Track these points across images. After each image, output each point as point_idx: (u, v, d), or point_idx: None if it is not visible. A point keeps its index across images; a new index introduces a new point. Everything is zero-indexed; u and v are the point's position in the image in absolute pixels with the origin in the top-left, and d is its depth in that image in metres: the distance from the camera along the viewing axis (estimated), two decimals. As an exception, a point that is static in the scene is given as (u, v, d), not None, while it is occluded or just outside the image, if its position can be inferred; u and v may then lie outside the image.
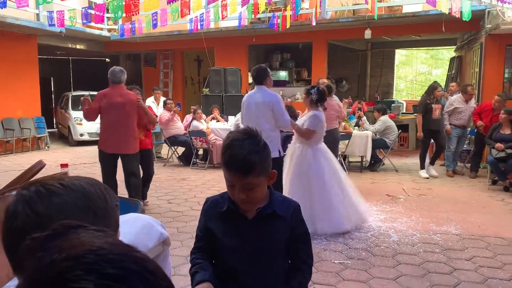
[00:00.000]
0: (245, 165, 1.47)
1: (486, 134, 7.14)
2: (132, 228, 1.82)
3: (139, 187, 5.30)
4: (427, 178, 7.53)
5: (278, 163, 4.50)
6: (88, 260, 0.51)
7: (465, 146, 8.16)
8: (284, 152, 4.83)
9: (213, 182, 7.22)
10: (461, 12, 6.52)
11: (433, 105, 7.42)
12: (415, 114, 7.93)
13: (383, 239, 4.45)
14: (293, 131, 4.83)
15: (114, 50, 14.03)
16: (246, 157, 1.47)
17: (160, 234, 1.99)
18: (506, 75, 8.87)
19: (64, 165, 3.52)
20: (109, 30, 12.63)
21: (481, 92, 8.71)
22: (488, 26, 8.41)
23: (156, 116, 5.41)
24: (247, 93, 5.04)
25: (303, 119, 4.77)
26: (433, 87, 7.64)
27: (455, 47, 12.62)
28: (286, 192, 4.56)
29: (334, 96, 6.82)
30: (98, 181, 1.20)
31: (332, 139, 5.97)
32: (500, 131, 6.79)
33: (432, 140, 7.89)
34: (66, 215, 0.84)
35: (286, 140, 5.83)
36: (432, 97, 7.49)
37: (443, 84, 9.93)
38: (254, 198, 1.53)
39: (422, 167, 7.75)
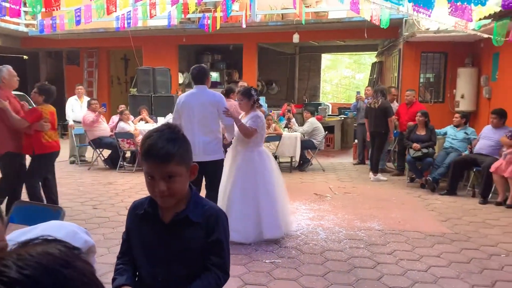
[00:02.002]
0: (165, 152, 1.46)
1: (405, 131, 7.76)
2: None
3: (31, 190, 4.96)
4: (386, 180, 7.60)
5: (221, 165, 4.45)
6: None
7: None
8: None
9: (141, 185, 7.01)
10: (380, 20, 6.91)
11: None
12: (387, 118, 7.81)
13: (311, 237, 4.59)
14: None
15: (33, 47, 13.13)
16: (166, 144, 1.47)
17: (85, 241, 1.90)
18: (421, 80, 9.55)
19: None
20: (27, 25, 11.81)
21: (399, 96, 9.29)
22: (405, 34, 9.00)
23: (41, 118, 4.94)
24: (177, 93, 4.95)
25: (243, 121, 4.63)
26: (386, 89, 8.02)
27: (376, 52, 13.37)
28: (225, 196, 4.46)
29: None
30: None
31: None
32: (416, 132, 7.30)
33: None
34: None
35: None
36: (387, 99, 7.82)
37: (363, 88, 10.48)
38: (175, 191, 1.49)
39: (377, 170, 7.71)
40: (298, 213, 5.48)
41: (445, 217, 5.39)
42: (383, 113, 7.54)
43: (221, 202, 4.42)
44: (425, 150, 6.99)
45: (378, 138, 7.71)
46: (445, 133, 7.36)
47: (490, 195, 6.19)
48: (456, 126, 7.26)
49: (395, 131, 8.08)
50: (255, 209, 4.37)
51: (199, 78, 4.44)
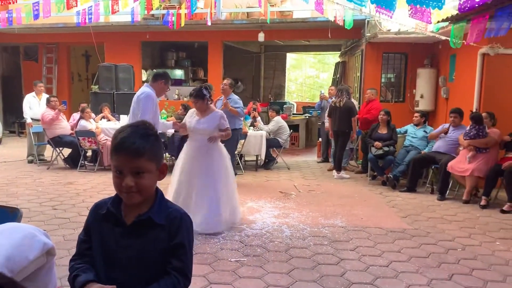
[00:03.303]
0: (137, 147, 1.46)
1: (363, 129, 7.96)
2: (9, 240, 1.64)
3: None
4: (349, 178, 7.77)
5: None
6: None
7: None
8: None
9: (103, 185, 6.85)
10: (344, 20, 7.03)
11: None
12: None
13: (277, 234, 4.62)
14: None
15: (-13, 41, 12.56)
16: (138, 138, 1.47)
17: (44, 244, 1.82)
18: (383, 80, 9.80)
19: None
20: (-19, 18, 11.26)
21: (361, 95, 9.50)
22: (367, 34, 9.21)
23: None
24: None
25: (204, 121, 4.73)
26: (349, 88, 8.20)
27: (339, 52, 13.60)
28: (173, 190, 4.66)
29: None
30: None
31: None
32: (378, 131, 7.48)
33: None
34: None
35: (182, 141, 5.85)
36: (350, 98, 7.97)
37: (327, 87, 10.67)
38: (142, 187, 1.48)
39: (340, 168, 7.82)
40: (264, 211, 5.50)
41: (405, 214, 5.56)
42: (347, 112, 7.68)
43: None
44: (386, 149, 7.18)
45: (342, 137, 7.84)
46: (405, 132, 7.59)
47: (448, 191, 6.43)
48: (416, 125, 7.50)
49: (357, 130, 8.26)
50: (197, 202, 4.56)
51: (151, 78, 5.09)
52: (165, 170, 1.58)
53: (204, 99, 4.69)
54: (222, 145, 4.89)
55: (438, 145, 6.88)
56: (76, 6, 7.06)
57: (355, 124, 7.82)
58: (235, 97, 6.79)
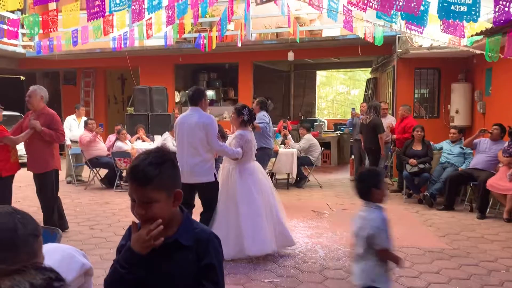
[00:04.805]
0: (143, 175, 1.45)
1: (399, 147, 7.78)
2: (49, 261, 1.70)
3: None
4: None
5: (213, 187, 4.44)
6: None
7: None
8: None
9: (139, 204, 6.97)
10: (374, 37, 7.00)
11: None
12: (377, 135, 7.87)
13: (310, 255, 4.56)
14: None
15: (30, 68, 13.19)
16: (146, 167, 1.46)
17: (82, 265, 1.88)
18: (416, 95, 9.63)
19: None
20: (24, 47, 11.88)
21: (394, 112, 9.36)
22: (399, 50, 9.11)
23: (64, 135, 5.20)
24: (174, 112, 5.06)
25: (231, 138, 4.78)
26: (379, 105, 8.05)
27: (370, 69, 13.49)
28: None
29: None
30: (12, 210, 1.11)
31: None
32: (413, 148, 7.33)
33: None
34: None
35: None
36: (380, 115, 7.87)
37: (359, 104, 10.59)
38: (153, 216, 1.46)
39: None
40: (296, 230, 5.46)
41: (444, 233, 5.38)
42: (373, 130, 7.64)
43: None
44: (421, 166, 7.02)
45: (371, 155, 7.79)
46: (441, 148, 7.39)
47: (488, 209, 6.19)
48: (452, 141, 7.31)
49: (389, 147, 8.13)
50: (234, 225, 4.38)
51: (193, 99, 4.52)
52: (180, 196, 1.55)
53: (239, 116, 4.63)
54: (254, 164, 4.73)
55: (476, 162, 6.66)
56: (112, 32, 7.34)
57: (383, 141, 7.69)
58: (260, 114, 6.71)
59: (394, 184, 8.51)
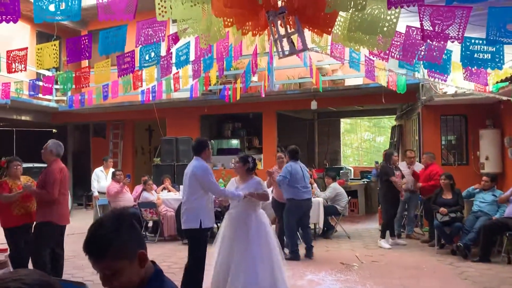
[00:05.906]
0: (97, 248, 1.36)
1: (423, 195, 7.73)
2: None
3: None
4: (390, 248, 7.30)
5: (197, 234, 4.56)
6: None
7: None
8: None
9: (163, 256, 6.93)
10: (397, 85, 7.02)
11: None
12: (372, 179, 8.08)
13: (340, 310, 4.38)
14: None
15: (62, 121, 13.74)
16: (99, 239, 1.36)
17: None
18: (443, 142, 9.48)
19: (3, 250, 3.27)
20: (57, 101, 12.44)
21: (421, 159, 9.19)
22: (423, 98, 9.08)
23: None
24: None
25: (243, 188, 4.81)
26: (391, 153, 7.97)
27: (395, 116, 13.44)
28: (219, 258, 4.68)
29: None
30: (47, 280, 1.12)
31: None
32: (442, 196, 7.13)
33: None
34: None
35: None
36: (390, 163, 7.74)
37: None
38: (122, 285, 1.40)
39: (384, 236, 7.47)
40: (325, 284, 5.28)
41: (481, 287, 5.10)
42: (380, 176, 7.72)
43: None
44: (453, 215, 6.79)
45: (383, 202, 7.74)
46: (466, 197, 7.17)
47: (527, 261, 5.88)
48: (484, 189, 7.07)
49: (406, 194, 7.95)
50: (236, 272, 4.51)
51: (195, 150, 4.92)
52: (145, 257, 1.47)
53: (245, 164, 4.86)
54: (262, 212, 4.90)
55: (510, 211, 6.40)
56: (141, 86, 7.63)
57: (395, 183, 7.43)
58: (287, 164, 6.77)
59: (425, 234, 8.21)
